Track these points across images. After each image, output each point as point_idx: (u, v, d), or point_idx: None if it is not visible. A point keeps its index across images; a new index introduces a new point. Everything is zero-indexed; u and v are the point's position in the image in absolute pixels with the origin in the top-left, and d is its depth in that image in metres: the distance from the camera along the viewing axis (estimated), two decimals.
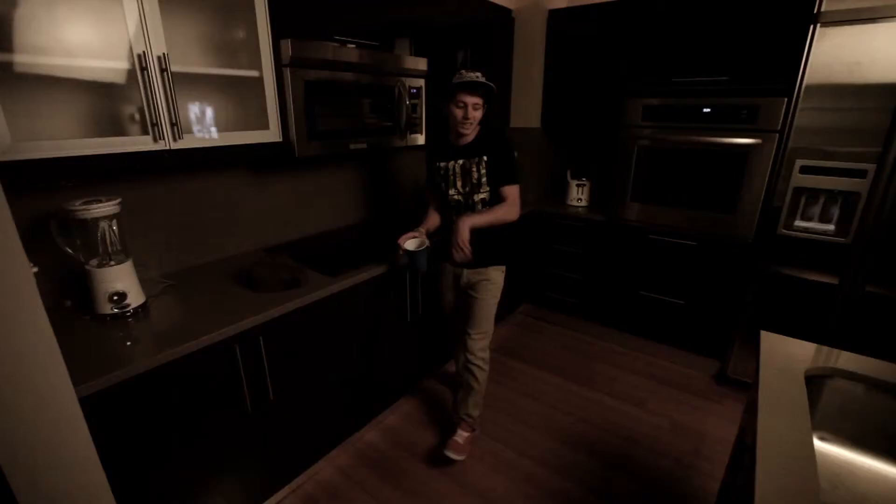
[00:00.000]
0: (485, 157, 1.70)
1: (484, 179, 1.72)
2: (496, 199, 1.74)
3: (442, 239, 1.82)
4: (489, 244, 1.77)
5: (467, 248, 1.69)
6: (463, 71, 1.64)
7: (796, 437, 0.85)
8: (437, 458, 1.90)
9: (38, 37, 1.16)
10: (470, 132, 1.68)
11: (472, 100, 1.61)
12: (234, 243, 1.91)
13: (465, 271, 1.82)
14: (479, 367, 1.89)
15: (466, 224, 1.68)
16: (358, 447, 1.99)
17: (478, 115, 1.65)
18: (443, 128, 1.78)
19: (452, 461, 1.85)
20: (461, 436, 1.91)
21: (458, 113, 1.63)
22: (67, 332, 1.24)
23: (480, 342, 1.88)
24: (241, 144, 1.54)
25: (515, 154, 2.85)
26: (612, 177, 2.60)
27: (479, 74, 1.61)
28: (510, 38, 2.87)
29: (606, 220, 2.67)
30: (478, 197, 1.74)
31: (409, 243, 1.75)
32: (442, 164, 1.76)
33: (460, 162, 1.73)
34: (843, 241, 1.92)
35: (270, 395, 1.49)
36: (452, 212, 1.79)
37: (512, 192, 1.73)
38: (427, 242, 1.75)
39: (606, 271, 2.76)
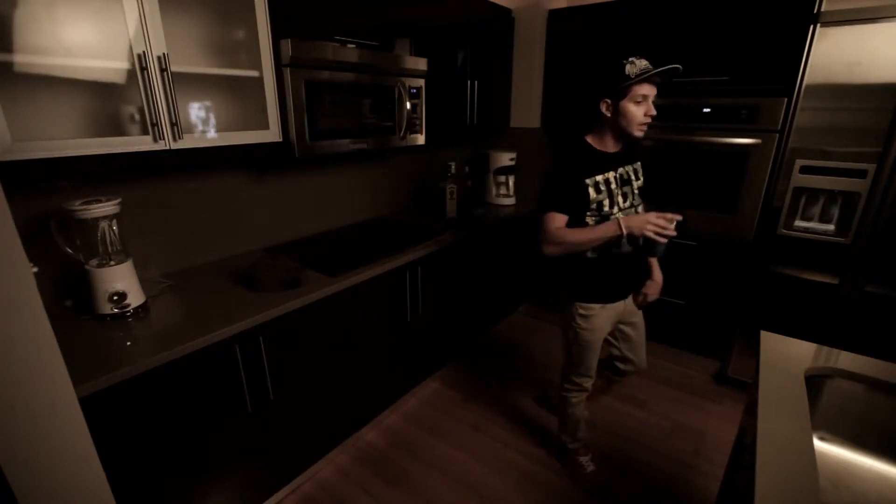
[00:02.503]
0: (639, 162, 1.50)
1: (641, 189, 1.49)
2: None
3: (601, 275, 1.53)
4: (640, 264, 1.62)
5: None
6: (633, 59, 1.35)
7: (796, 437, 0.85)
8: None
9: (39, 37, 1.16)
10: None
11: (653, 91, 1.36)
12: (234, 243, 1.91)
13: (624, 301, 1.61)
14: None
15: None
16: (358, 447, 1.99)
17: (654, 110, 1.39)
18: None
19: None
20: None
21: (638, 111, 1.35)
22: (67, 332, 1.24)
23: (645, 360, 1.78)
24: (241, 144, 1.54)
25: (511, 160, 2.88)
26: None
27: (647, 62, 1.37)
28: (510, 38, 2.87)
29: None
30: (640, 208, 1.49)
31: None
32: (599, 178, 1.41)
33: (619, 171, 1.44)
34: (843, 241, 1.92)
35: (270, 395, 1.49)
36: (634, 242, 1.45)
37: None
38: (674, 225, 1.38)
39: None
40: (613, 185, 1.45)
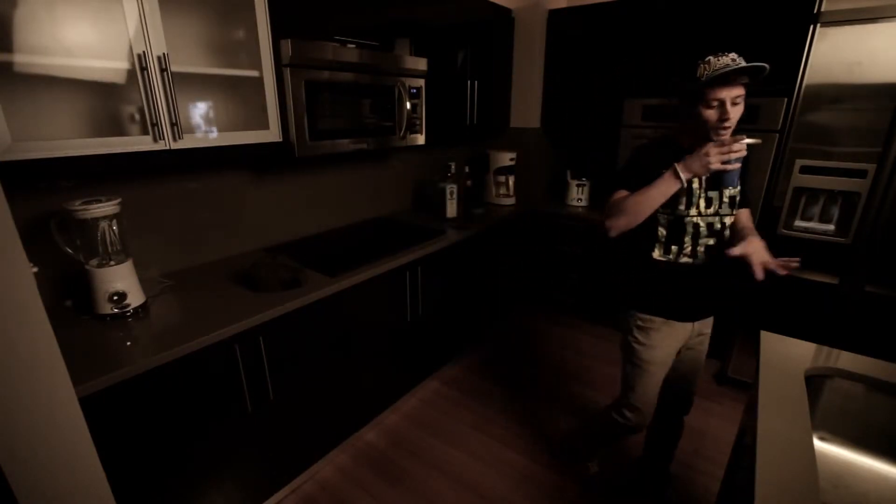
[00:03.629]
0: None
1: (738, 199, 1.33)
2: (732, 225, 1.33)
3: (665, 278, 1.36)
4: (723, 284, 1.39)
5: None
6: (710, 58, 1.17)
7: (796, 437, 0.85)
8: None
9: (39, 37, 1.16)
10: (729, 136, 1.23)
11: (731, 92, 1.16)
12: (234, 243, 1.91)
13: (695, 324, 1.41)
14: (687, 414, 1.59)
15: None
16: (358, 447, 1.99)
17: (739, 111, 1.21)
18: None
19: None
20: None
21: (711, 114, 1.19)
22: (67, 332, 1.24)
23: (695, 395, 1.56)
24: (241, 144, 1.54)
25: (511, 160, 2.88)
26: (612, 177, 2.60)
27: (734, 56, 1.16)
28: (510, 38, 2.87)
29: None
30: (727, 220, 1.33)
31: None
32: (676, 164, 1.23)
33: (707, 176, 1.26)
34: (843, 241, 1.92)
35: (270, 395, 1.49)
36: (685, 238, 1.32)
37: (749, 217, 1.38)
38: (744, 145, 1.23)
39: (607, 271, 2.76)
40: (696, 184, 1.28)
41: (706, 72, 1.17)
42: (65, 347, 0.86)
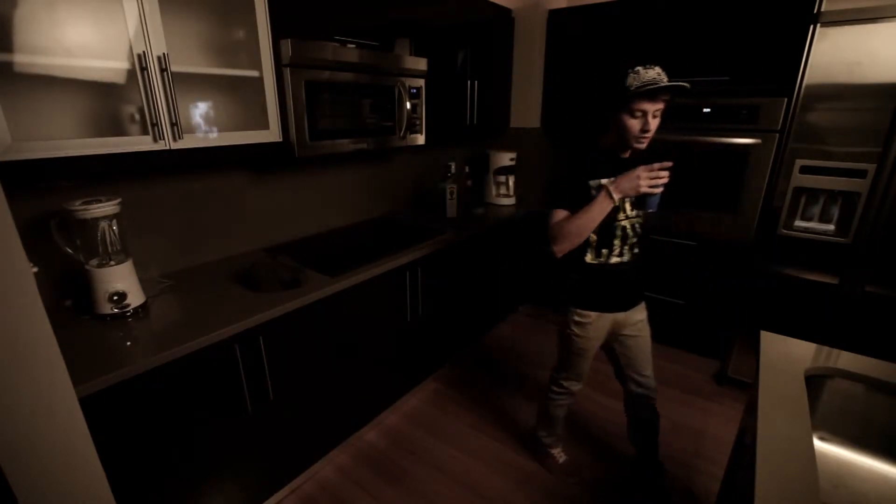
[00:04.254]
0: None
1: (658, 199, 1.40)
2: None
3: (600, 279, 1.50)
4: (643, 277, 1.55)
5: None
6: (639, 69, 1.28)
7: (796, 437, 0.85)
8: None
9: (39, 37, 1.16)
10: (645, 146, 1.35)
11: (653, 107, 1.27)
12: (234, 243, 1.91)
13: (628, 312, 1.56)
14: (655, 395, 1.71)
15: None
16: (358, 447, 1.99)
17: (657, 123, 1.31)
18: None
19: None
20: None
21: (634, 125, 1.29)
22: (67, 332, 1.24)
23: (653, 379, 1.68)
24: (241, 144, 1.54)
25: (511, 160, 2.87)
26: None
27: (659, 71, 1.27)
28: (510, 38, 2.87)
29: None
30: (642, 221, 1.47)
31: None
32: (604, 182, 1.35)
33: None
34: (843, 241, 1.92)
35: (270, 395, 1.49)
36: (614, 241, 1.43)
37: None
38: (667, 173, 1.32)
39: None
40: None
41: (635, 82, 1.26)
42: (65, 347, 0.86)
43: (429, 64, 2.06)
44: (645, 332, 1.62)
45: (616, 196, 1.29)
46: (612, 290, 1.52)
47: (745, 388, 2.32)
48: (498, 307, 2.90)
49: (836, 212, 1.94)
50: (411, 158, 2.69)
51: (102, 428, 1.03)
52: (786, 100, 1.98)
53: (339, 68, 1.71)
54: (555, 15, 2.74)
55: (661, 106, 1.29)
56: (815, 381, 1.08)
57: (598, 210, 1.32)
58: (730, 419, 2.15)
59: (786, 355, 1.13)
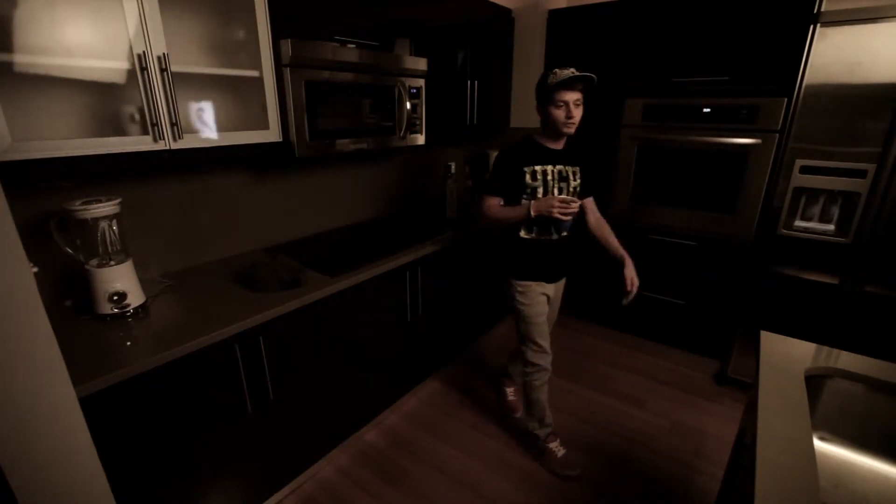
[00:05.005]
0: (578, 168, 1.69)
1: (579, 189, 1.70)
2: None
3: (530, 256, 1.73)
4: (572, 250, 1.81)
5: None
6: (556, 70, 1.56)
7: (796, 437, 0.85)
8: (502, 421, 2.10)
9: (39, 37, 1.16)
10: (573, 133, 1.61)
11: (572, 96, 1.53)
12: (234, 243, 1.91)
13: (553, 285, 1.82)
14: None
15: (634, 271, 1.75)
16: (358, 447, 1.99)
17: (580, 111, 1.57)
18: (486, 129, 1.74)
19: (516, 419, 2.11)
20: (511, 392, 2.23)
21: (560, 114, 1.55)
22: (67, 332, 1.24)
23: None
24: (241, 144, 1.54)
25: None
26: (612, 177, 2.60)
27: (573, 70, 1.53)
28: (510, 38, 2.87)
29: (606, 220, 2.67)
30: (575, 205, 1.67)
31: (574, 200, 1.59)
32: (537, 168, 1.62)
33: (558, 167, 1.65)
34: (844, 241, 1.92)
35: (270, 395, 1.49)
36: (546, 221, 1.65)
37: (593, 203, 1.82)
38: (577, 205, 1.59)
39: (606, 271, 2.76)
40: (550, 177, 1.65)
41: (555, 80, 1.53)
42: (65, 347, 0.87)
43: (429, 64, 2.06)
44: (558, 299, 1.92)
45: (533, 212, 1.58)
46: (541, 263, 1.75)
47: (745, 388, 2.32)
48: (498, 307, 2.90)
49: (836, 212, 1.94)
50: (411, 158, 2.69)
51: (102, 428, 1.03)
52: (786, 100, 1.98)
53: (339, 68, 1.71)
54: (555, 15, 2.74)
55: (578, 96, 1.55)
56: (815, 381, 1.08)
57: (515, 216, 1.64)
58: (730, 419, 2.15)
59: (786, 355, 1.13)
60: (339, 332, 1.73)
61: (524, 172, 1.63)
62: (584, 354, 2.74)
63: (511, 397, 2.25)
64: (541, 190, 1.64)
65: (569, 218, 1.59)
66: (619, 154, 2.54)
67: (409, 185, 2.74)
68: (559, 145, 1.66)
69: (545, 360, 1.82)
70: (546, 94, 1.57)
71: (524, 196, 1.65)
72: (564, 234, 1.72)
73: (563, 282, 1.89)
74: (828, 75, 1.84)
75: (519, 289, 1.76)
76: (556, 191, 1.65)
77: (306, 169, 2.12)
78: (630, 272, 1.75)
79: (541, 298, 1.77)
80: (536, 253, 1.72)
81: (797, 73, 1.90)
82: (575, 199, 1.58)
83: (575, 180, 1.69)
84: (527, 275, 1.75)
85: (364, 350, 1.88)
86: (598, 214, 1.84)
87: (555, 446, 1.89)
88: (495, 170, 1.71)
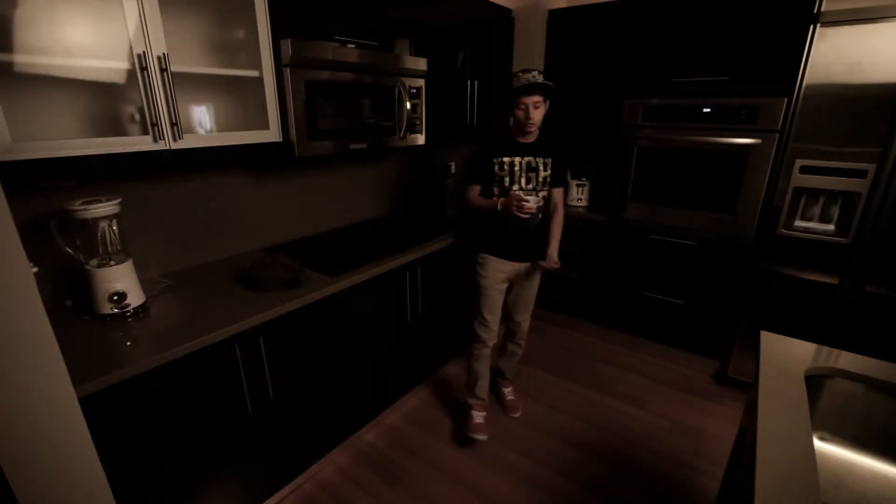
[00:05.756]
0: (550, 159, 1.82)
1: (549, 179, 1.85)
2: (548, 197, 1.89)
3: (494, 234, 1.91)
4: (543, 238, 1.91)
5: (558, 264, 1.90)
6: (519, 73, 1.71)
7: (796, 437, 0.85)
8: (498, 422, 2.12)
9: (39, 37, 1.16)
10: (535, 129, 1.78)
11: (531, 99, 1.69)
12: (234, 243, 1.91)
13: (528, 264, 1.95)
14: (523, 343, 2.18)
15: (556, 254, 1.90)
16: (358, 447, 1.99)
17: (539, 112, 1.73)
18: (499, 125, 1.87)
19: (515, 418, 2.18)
20: (510, 392, 2.28)
21: (520, 115, 1.73)
22: (67, 332, 1.24)
23: (528, 324, 2.13)
24: (241, 144, 1.54)
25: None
26: (612, 177, 2.60)
27: (535, 73, 1.68)
28: (510, 38, 2.86)
29: (606, 220, 2.67)
30: (541, 194, 1.83)
31: (533, 199, 1.75)
32: (506, 160, 1.81)
33: (526, 159, 1.81)
34: (843, 241, 1.92)
35: (270, 395, 1.49)
36: (513, 217, 1.81)
37: (561, 194, 1.92)
38: (541, 201, 1.80)
39: (606, 271, 2.76)
40: (517, 168, 1.82)
41: (517, 84, 1.69)
42: (65, 347, 0.87)
43: (429, 64, 2.06)
44: (529, 287, 2.03)
45: (500, 208, 1.78)
46: (503, 240, 1.89)
47: (745, 388, 2.32)
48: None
49: (836, 212, 1.94)
50: (411, 158, 2.69)
51: (102, 428, 1.03)
52: (786, 100, 1.98)
53: (339, 68, 1.71)
54: (555, 15, 2.74)
55: (538, 99, 1.70)
56: (815, 381, 1.08)
57: (487, 206, 1.85)
58: (730, 419, 2.15)
59: (786, 355, 1.13)
60: (339, 333, 1.73)
61: (493, 163, 1.83)
62: (584, 354, 2.74)
63: (510, 397, 2.26)
64: (507, 179, 1.83)
65: (527, 216, 1.75)
66: (618, 154, 2.53)
67: (409, 185, 2.74)
68: (529, 139, 1.82)
69: (486, 335, 1.98)
70: (509, 96, 1.74)
71: (494, 184, 1.85)
72: (529, 227, 1.86)
73: (534, 272, 1.99)
74: (828, 75, 1.84)
75: (479, 260, 1.94)
76: (522, 180, 1.83)
77: (306, 169, 2.12)
78: (550, 259, 1.91)
79: (498, 275, 1.92)
80: (502, 230, 1.87)
81: (797, 73, 1.90)
82: (533, 196, 1.75)
83: (545, 171, 1.83)
84: (488, 248, 1.92)
85: (364, 350, 1.88)
86: (558, 204, 1.92)
87: (475, 414, 2.04)
88: (473, 160, 1.94)
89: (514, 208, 1.72)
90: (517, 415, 2.18)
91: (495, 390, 2.31)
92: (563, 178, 1.92)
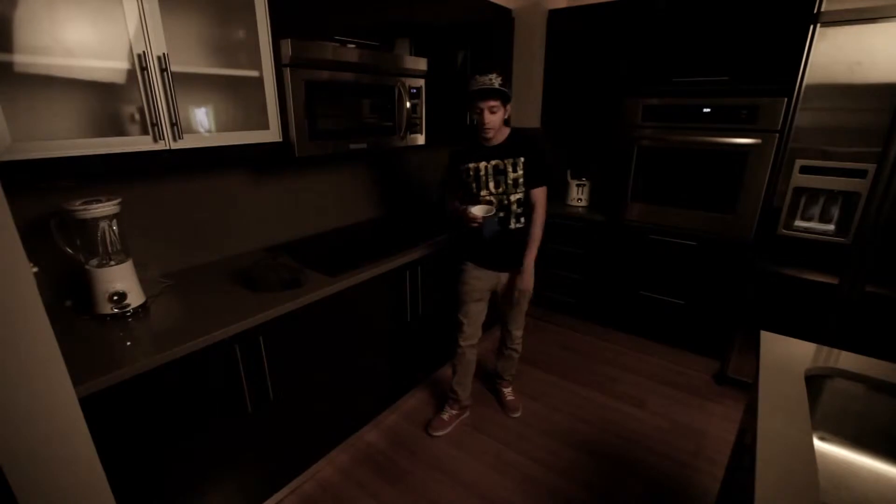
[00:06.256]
0: (522, 159, 1.74)
1: (521, 180, 1.76)
2: (528, 199, 1.80)
3: (470, 243, 1.88)
4: (524, 243, 1.84)
5: (531, 287, 1.87)
6: (477, 76, 1.65)
7: (796, 437, 0.85)
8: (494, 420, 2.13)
9: (39, 37, 1.16)
10: (493, 134, 1.71)
11: (486, 104, 1.64)
12: (234, 243, 1.91)
13: (508, 273, 1.90)
14: (518, 348, 2.14)
15: (531, 265, 1.82)
16: (358, 447, 1.99)
17: (496, 117, 1.67)
18: (469, 130, 1.80)
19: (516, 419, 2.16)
20: (510, 393, 2.25)
21: (478, 119, 1.69)
22: (67, 332, 1.24)
23: (521, 332, 2.09)
24: (241, 144, 1.54)
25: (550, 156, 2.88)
26: (612, 177, 2.60)
27: (492, 77, 1.62)
28: (510, 39, 2.87)
29: (606, 220, 2.67)
30: (514, 197, 1.78)
31: (478, 209, 1.73)
32: (471, 166, 1.77)
33: (493, 162, 1.76)
34: (843, 241, 1.92)
35: (270, 395, 1.49)
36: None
37: (543, 194, 1.80)
38: (493, 210, 1.74)
39: (606, 271, 2.76)
40: (483, 173, 1.77)
41: (472, 87, 1.65)
42: (65, 347, 0.87)
43: (429, 64, 2.06)
44: (508, 301, 1.99)
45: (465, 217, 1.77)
46: (480, 248, 1.87)
47: (745, 388, 2.32)
48: (497, 307, 2.90)
49: (836, 212, 1.94)
50: (411, 158, 2.69)
51: (102, 428, 1.03)
52: (786, 100, 1.98)
53: (339, 68, 1.71)
54: (555, 15, 2.74)
55: (494, 103, 1.64)
56: (815, 381, 1.08)
57: (458, 213, 1.83)
58: (730, 419, 2.15)
59: (786, 355, 1.13)
60: (339, 332, 1.73)
61: (460, 170, 1.81)
62: (584, 354, 2.74)
63: (510, 397, 2.26)
64: (474, 185, 1.79)
65: (475, 225, 1.71)
66: (618, 154, 2.53)
67: (410, 185, 2.74)
68: (495, 142, 1.75)
69: (462, 339, 1.99)
70: (466, 99, 1.70)
71: (464, 191, 1.84)
72: (490, 236, 1.77)
73: (514, 280, 1.91)
74: (828, 75, 1.84)
75: (461, 267, 1.94)
76: (491, 185, 1.77)
77: (306, 169, 2.12)
78: (521, 282, 1.86)
79: (475, 282, 1.91)
80: (476, 240, 1.83)
81: (797, 73, 1.90)
82: (483, 206, 1.73)
83: (515, 172, 1.75)
84: (468, 256, 1.92)
85: (364, 350, 1.88)
86: (537, 205, 1.80)
87: (449, 409, 2.10)
88: (446, 171, 1.91)
89: (468, 221, 1.72)
90: (517, 415, 2.17)
91: (495, 391, 2.31)
92: (542, 176, 1.79)
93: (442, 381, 2.44)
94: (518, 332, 2.09)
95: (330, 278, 1.65)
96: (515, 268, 1.87)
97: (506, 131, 1.76)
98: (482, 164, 1.76)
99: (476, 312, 1.96)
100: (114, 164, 1.25)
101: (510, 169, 1.75)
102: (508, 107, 1.71)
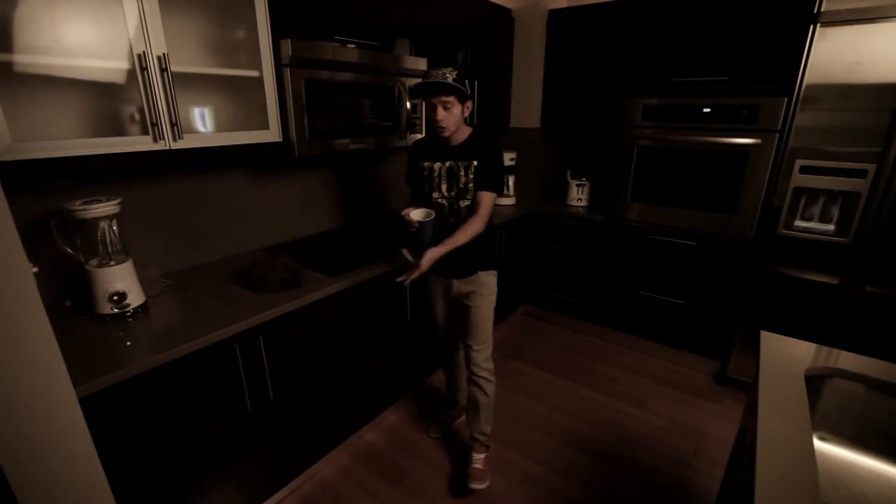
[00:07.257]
0: (475, 162, 1.58)
1: (471, 185, 1.60)
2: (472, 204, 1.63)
3: (416, 245, 1.68)
4: (474, 250, 1.64)
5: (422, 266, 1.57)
6: (432, 71, 1.51)
7: (796, 437, 0.85)
8: (458, 489, 1.76)
9: (39, 37, 1.15)
10: (449, 133, 1.55)
11: (438, 99, 1.49)
12: (234, 243, 1.91)
13: (455, 281, 1.71)
14: (485, 378, 1.75)
15: (430, 260, 1.55)
16: (358, 447, 1.99)
17: (450, 114, 1.51)
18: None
19: (476, 491, 1.72)
20: (478, 460, 1.79)
21: (430, 115, 1.53)
22: (67, 332, 1.24)
23: (483, 353, 1.74)
24: (240, 144, 1.54)
25: (511, 160, 2.88)
26: (612, 177, 2.60)
27: (446, 71, 1.48)
28: (510, 38, 2.87)
29: (606, 220, 2.67)
30: (463, 203, 1.63)
31: (416, 213, 1.59)
32: (426, 164, 1.64)
33: (447, 164, 1.61)
34: (843, 241, 1.92)
35: (270, 395, 1.49)
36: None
37: (487, 199, 1.59)
38: (433, 214, 1.59)
39: (606, 271, 2.76)
40: (436, 174, 1.64)
41: (424, 80, 1.50)
42: (65, 347, 0.86)
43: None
44: (476, 304, 1.72)
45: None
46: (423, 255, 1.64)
47: (745, 388, 2.32)
48: (497, 307, 2.90)
49: (836, 212, 1.94)
50: None
51: (102, 428, 1.03)
52: (786, 100, 1.98)
53: (339, 68, 1.71)
54: (555, 15, 2.74)
55: (447, 99, 1.49)
56: (815, 381, 1.08)
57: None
58: (730, 419, 2.15)
59: (786, 355, 1.13)
60: (338, 332, 1.73)
61: (419, 167, 1.69)
62: (584, 354, 2.74)
63: (476, 465, 1.81)
64: (426, 186, 1.68)
65: (412, 228, 1.57)
66: (618, 154, 2.53)
67: None
68: (455, 141, 1.59)
69: (438, 341, 1.96)
70: (419, 94, 1.56)
71: (420, 190, 1.72)
72: (426, 241, 1.59)
73: (471, 281, 1.70)
74: (828, 75, 1.84)
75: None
76: (443, 187, 1.64)
77: (306, 169, 2.12)
78: (427, 256, 1.56)
79: (432, 289, 1.83)
80: (417, 245, 1.64)
81: (797, 73, 1.90)
82: (421, 209, 1.60)
83: (466, 176, 1.59)
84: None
85: (364, 350, 1.88)
86: (480, 208, 1.60)
87: (437, 424, 2.08)
88: (407, 166, 1.79)
89: (405, 223, 1.58)
90: (481, 486, 1.74)
91: (466, 453, 1.87)
92: (492, 181, 1.60)
93: (442, 382, 2.44)
94: (480, 355, 1.74)
95: (330, 278, 1.65)
96: (463, 276, 1.70)
97: (466, 131, 1.60)
98: (437, 165, 1.62)
99: (439, 317, 1.87)
100: (114, 164, 1.25)
101: (462, 172, 1.59)
102: (468, 105, 1.55)
